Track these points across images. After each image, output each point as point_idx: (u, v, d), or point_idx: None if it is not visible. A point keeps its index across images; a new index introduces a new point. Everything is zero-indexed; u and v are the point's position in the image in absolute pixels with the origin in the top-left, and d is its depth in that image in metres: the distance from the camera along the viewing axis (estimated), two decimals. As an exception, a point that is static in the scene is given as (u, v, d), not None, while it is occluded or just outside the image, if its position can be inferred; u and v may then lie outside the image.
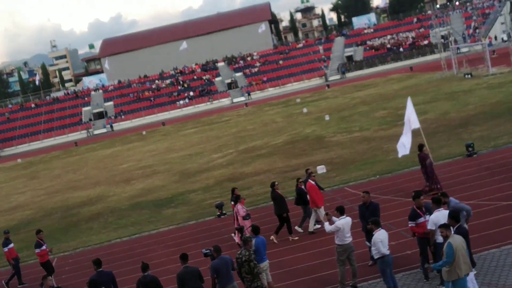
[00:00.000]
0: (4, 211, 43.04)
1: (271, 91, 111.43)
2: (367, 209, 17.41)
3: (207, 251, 15.93)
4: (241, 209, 21.65)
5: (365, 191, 17.96)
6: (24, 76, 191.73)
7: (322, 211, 21.33)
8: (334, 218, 16.42)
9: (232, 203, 22.61)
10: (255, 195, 30.64)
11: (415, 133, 24.80)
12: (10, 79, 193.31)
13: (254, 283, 15.19)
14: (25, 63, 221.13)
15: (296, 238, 21.98)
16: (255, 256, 15.53)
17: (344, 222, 16.16)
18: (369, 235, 16.40)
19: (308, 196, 21.95)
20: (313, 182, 21.93)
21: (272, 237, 22.00)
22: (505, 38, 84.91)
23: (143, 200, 36.07)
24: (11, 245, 23.74)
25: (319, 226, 21.82)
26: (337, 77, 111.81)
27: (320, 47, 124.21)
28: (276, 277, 17.49)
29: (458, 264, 12.67)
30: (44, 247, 22.35)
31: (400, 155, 24.36)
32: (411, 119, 24.31)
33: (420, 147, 23.98)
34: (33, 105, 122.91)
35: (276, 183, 22.92)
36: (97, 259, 16.62)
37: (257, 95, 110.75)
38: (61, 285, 16.20)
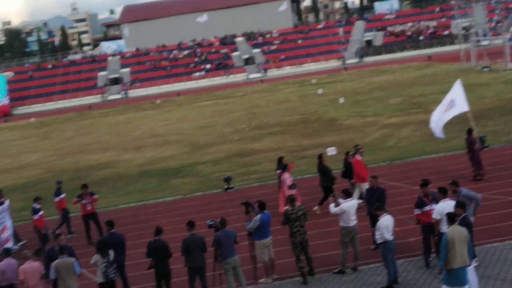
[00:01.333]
0: (14, 169, 43.35)
1: (287, 70, 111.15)
2: (373, 193, 17.44)
3: (212, 222, 16.07)
4: (288, 178, 21.91)
5: (373, 176, 17.97)
6: (43, 36, 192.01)
7: (364, 187, 21.31)
8: (340, 200, 16.49)
9: (279, 171, 22.85)
10: (263, 171, 30.73)
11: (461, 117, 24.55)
12: (29, 39, 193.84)
13: (306, 235, 16.31)
14: (45, 24, 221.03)
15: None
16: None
17: (349, 205, 16.23)
18: (373, 220, 16.46)
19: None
20: (360, 158, 22.00)
21: (315, 208, 22.20)
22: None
23: (152, 169, 36.24)
24: (63, 195, 23.97)
25: (360, 201, 21.54)
26: (355, 60, 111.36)
27: (340, 30, 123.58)
28: (279, 254, 17.59)
29: (453, 255, 12.64)
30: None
31: (438, 135, 23.94)
32: (458, 101, 23.87)
33: (469, 131, 23.79)
34: (49, 66, 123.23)
35: (323, 155, 23.05)
36: (110, 220, 16.88)
37: (273, 72, 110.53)
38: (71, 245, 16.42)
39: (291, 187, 21.18)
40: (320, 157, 22.74)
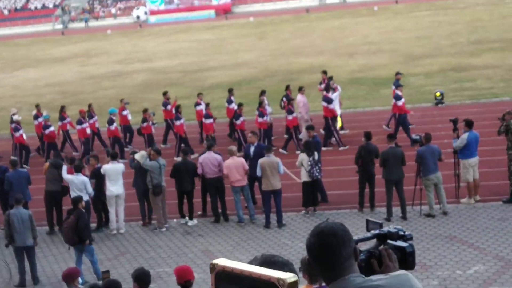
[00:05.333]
0: (230, 66, 45.00)
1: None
2: None
3: (417, 137, 16.01)
4: None
5: None
6: None
7: None
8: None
9: None
10: (478, 89, 29.60)
11: None
12: None
13: None
14: None
15: None
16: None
17: None
18: None
19: None
20: None
21: None
22: None
23: (363, 76, 36.08)
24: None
25: None
26: None
27: None
28: (484, 175, 17.08)
29: None
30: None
31: None
32: None
33: None
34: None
35: None
36: (311, 125, 18.47)
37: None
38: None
39: None
40: None
